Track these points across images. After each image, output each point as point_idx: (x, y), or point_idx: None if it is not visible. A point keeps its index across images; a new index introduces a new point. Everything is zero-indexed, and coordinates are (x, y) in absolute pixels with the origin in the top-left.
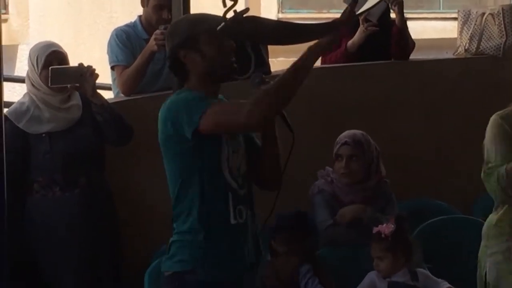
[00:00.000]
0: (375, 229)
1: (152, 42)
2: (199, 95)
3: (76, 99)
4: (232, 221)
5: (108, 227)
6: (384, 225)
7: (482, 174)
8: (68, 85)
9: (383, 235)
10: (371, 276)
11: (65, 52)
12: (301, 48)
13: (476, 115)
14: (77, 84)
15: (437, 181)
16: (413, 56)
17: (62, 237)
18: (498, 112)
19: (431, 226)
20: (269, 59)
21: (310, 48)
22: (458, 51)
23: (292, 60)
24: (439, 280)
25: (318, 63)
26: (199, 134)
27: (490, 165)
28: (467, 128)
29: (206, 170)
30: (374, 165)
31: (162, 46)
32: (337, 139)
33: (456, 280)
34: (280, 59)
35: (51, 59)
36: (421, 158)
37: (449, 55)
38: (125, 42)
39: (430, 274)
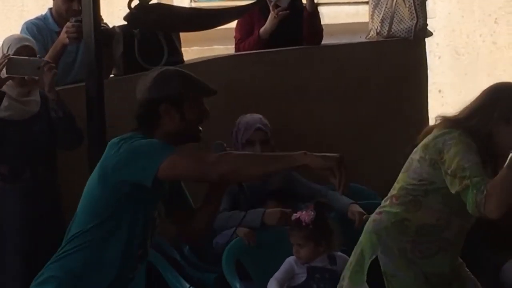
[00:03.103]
0: (294, 216)
1: (63, 34)
2: (157, 141)
3: (36, 96)
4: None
5: (49, 226)
6: (304, 212)
7: (457, 187)
8: (26, 77)
9: (303, 223)
10: (290, 261)
11: (37, 50)
12: (215, 36)
13: (390, 97)
14: (37, 78)
15: (354, 165)
16: (327, 41)
17: None
18: (461, 132)
19: None
20: (183, 49)
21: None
22: (370, 35)
23: (206, 49)
24: None
25: (232, 51)
26: (157, 180)
27: (467, 177)
28: (382, 111)
29: (140, 211)
30: (274, 147)
31: (73, 39)
32: (242, 125)
33: None
34: (194, 49)
35: (21, 51)
36: (338, 143)
37: (362, 39)
38: (36, 35)
39: (347, 257)
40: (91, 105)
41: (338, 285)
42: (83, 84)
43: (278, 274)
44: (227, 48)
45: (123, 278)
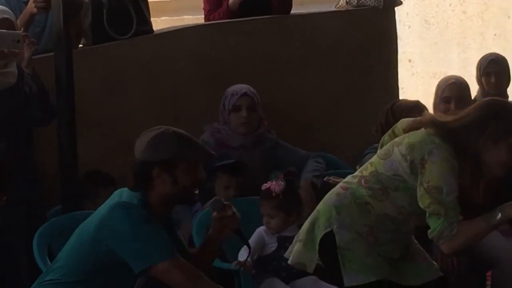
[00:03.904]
0: (264, 186)
1: (31, 4)
2: (163, 234)
3: (13, 67)
4: None
5: (23, 196)
6: (274, 182)
7: (426, 205)
8: (5, 50)
9: (273, 193)
10: (260, 231)
11: (16, 24)
12: (185, 6)
13: (360, 67)
14: (17, 51)
15: (324, 135)
16: (296, 10)
17: None
18: (449, 148)
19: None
20: (152, 19)
21: None
22: (340, 4)
23: (176, 19)
24: None
25: (201, 22)
26: (144, 272)
27: (442, 204)
28: (352, 80)
29: (115, 283)
30: (261, 113)
31: (41, 9)
32: (229, 92)
33: None
34: (164, 18)
35: None
36: (308, 112)
37: (332, 8)
38: (3, 4)
39: None
40: (60, 76)
41: (289, 247)
42: (52, 54)
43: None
44: (197, 18)
45: None
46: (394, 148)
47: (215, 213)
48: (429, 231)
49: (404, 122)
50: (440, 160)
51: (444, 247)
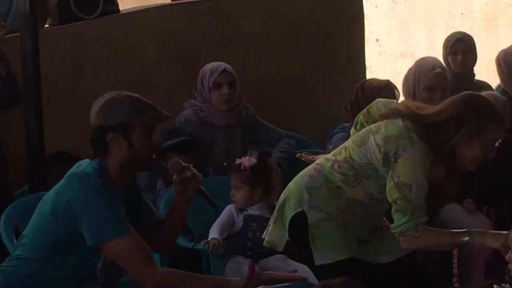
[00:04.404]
0: (237, 160)
1: None
2: (117, 209)
3: None
4: None
5: None
6: (247, 158)
7: (393, 199)
8: None
9: (242, 167)
10: (230, 208)
11: None
12: None
13: (327, 46)
14: None
15: (291, 114)
16: None
17: None
18: (423, 146)
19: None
20: None
21: None
22: None
23: None
24: None
25: (168, 1)
26: (97, 247)
27: (410, 203)
28: (319, 60)
29: (82, 259)
30: (240, 90)
31: None
32: (207, 69)
33: None
34: None
35: None
36: (275, 91)
37: None
38: None
39: None
40: (26, 56)
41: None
42: (18, 34)
43: (219, 221)
44: None
45: None
46: (370, 136)
47: (175, 176)
48: (392, 225)
49: (380, 102)
50: (413, 157)
51: (403, 243)
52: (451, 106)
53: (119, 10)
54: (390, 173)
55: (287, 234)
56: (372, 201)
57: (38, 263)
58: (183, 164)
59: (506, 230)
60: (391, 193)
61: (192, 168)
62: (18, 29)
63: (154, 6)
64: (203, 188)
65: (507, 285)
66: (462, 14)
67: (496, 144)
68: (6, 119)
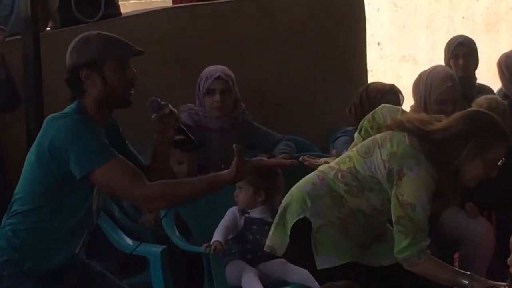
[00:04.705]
0: None
1: None
2: (100, 139)
3: None
4: (76, 251)
5: None
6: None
7: (396, 217)
8: None
9: None
10: (233, 210)
11: None
12: None
13: (329, 49)
14: None
15: (293, 117)
16: None
17: None
18: (428, 166)
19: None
20: (121, 2)
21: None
22: None
23: (144, 2)
24: None
25: (170, 4)
26: (86, 179)
27: (413, 224)
28: (320, 63)
29: (76, 200)
30: (237, 95)
31: None
32: (204, 74)
33: None
34: (132, 2)
35: None
36: (276, 94)
37: None
38: None
39: None
40: (27, 59)
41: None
42: (19, 37)
43: (223, 222)
44: (165, 1)
45: (67, 256)
46: (376, 149)
47: (154, 115)
48: (395, 249)
49: (385, 108)
50: (418, 178)
51: (405, 265)
52: (459, 123)
53: (120, 13)
54: (394, 190)
55: (288, 240)
56: (374, 212)
57: (34, 214)
58: (160, 101)
59: (507, 234)
60: (395, 211)
61: (170, 106)
62: (20, 32)
63: (155, 9)
64: (183, 127)
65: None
66: (463, 17)
67: (499, 163)
68: (7, 121)
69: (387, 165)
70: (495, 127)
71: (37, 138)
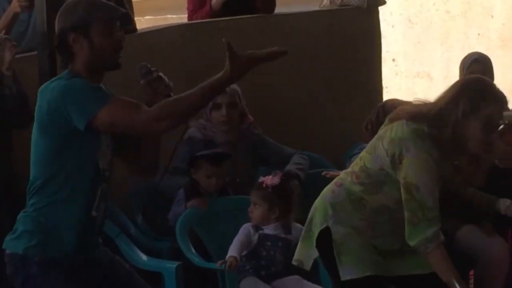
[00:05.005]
0: (261, 179)
1: (15, 3)
2: (94, 86)
3: None
4: (94, 214)
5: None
6: (271, 176)
7: (404, 199)
8: None
9: (264, 185)
10: (247, 226)
11: None
12: (168, 6)
13: (344, 66)
14: None
15: (307, 134)
16: (281, 10)
17: None
18: (422, 146)
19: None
20: (136, 18)
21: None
22: (324, 3)
23: (160, 18)
24: None
25: (185, 20)
26: (91, 126)
27: (423, 210)
28: (336, 80)
29: (84, 159)
30: (244, 109)
31: (25, 8)
32: None
33: None
34: (147, 18)
35: None
36: (291, 111)
37: (316, 7)
38: None
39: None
40: (43, 74)
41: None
42: (35, 53)
43: (238, 238)
44: (180, 18)
45: (90, 235)
46: (379, 142)
47: (143, 80)
48: (406, 235)
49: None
50: (416, 159)
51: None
52: (446, 92)
53: (136, 29)
54: (398, 175)
55: (315, 253)
56: (396, 205)
57: (51, 185)
58: (149, 67)
59: None
60: (403, 196)
61: (158, 71)
62: (36, 47)
63: (170, 25)
64: (172, 95)
65: None
66: (478, 34)
67: (501, 124)
68: (22, 137)
69: (388, 152)
70: (481, 85)
71: (35, 113)
